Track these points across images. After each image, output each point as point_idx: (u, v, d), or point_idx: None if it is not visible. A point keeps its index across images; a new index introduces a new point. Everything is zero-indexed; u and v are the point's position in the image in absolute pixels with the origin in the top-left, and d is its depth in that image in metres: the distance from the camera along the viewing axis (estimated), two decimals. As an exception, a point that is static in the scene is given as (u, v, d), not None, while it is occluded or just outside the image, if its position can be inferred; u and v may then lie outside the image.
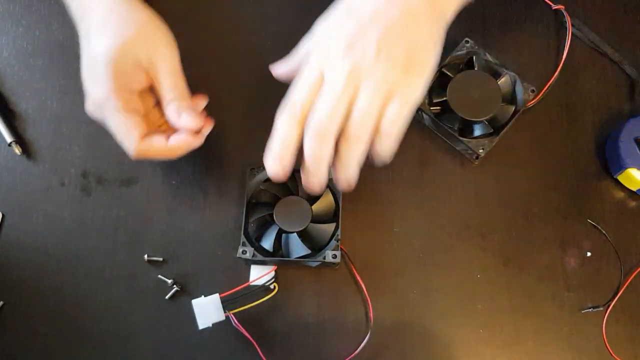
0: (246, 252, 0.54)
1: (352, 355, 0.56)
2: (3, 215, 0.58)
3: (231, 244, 0.58)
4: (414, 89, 0.47)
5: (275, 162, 0.47)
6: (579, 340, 0.57)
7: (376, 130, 0.47)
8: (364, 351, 0.56)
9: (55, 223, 0.58)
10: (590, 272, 0.59)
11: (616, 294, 0.59)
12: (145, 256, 0.57)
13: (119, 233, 0.58)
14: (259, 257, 0.54)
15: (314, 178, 0.48)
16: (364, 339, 0.56)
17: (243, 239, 0.55)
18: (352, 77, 0.45)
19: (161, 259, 0.58)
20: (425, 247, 0.59)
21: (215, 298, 0.54)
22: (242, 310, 0.54)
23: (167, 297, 0.57)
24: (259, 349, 0.54)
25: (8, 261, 0.57)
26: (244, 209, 0.56)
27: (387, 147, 0.48)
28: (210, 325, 0.53)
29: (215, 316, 0.53)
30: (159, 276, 0.57)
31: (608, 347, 0.57)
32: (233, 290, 0.55)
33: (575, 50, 0.64)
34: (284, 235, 0.56)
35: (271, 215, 0.56)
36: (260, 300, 0.55)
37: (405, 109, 0.47)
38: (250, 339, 0.54)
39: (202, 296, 0.54)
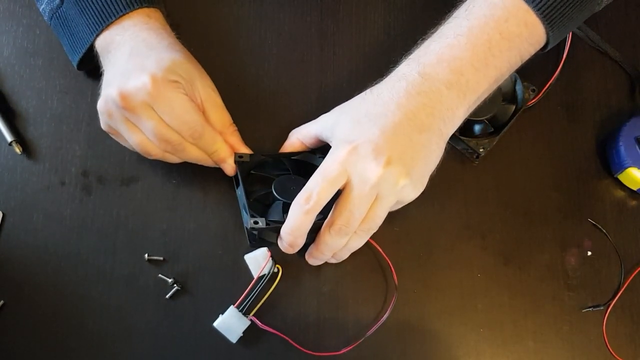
0: (258, 222, 0.51)
1: (351, 350, 0.56)
2: (3, 215, 0.58)
3: (231, 243, 0.58)
4: (409, 197, 0.52)
5: (290, 249, 0.51)
6: (580, 339, 0.58)
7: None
8: (364, 349, 0.56)
9: (55, 222, 0.58)
10: (590, 272, 0.59)
11: (617, 293, 0.59)
12: (146, 255, 0.57)
13: (119, 232, 0.58)
14: (273, 225, 0.51)
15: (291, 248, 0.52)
16: (364, 337, 0.56)
17: (250, 212, 0.52)
18: (376, 186, 0.49)
19: (161, 258, 0.58)
20: (425, 246, 0.59)
21: (232, 311, 0.55)
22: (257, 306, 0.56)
23: (167, 296, 0.57)
24: (289, 339, 0.55)
25: (8, 260, 0.57)
26: (242, 186, 0.54)
27: (360, 244, 0.53)
28: (242, 334, 0.54)
29: (241, 326, 0.55)
30: (160, 275, 0.57)
31: (608, 346, 0.57)
32: (244, 294, 0.55)
33: (575, 49, 0.64)
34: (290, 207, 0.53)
35: (267, 194, 0.54)
36: (272, 289, 0.56)
37: (387, 208, 0.51)
38: (279, 333, 0.55)
39: (220, 315, 0.55)
